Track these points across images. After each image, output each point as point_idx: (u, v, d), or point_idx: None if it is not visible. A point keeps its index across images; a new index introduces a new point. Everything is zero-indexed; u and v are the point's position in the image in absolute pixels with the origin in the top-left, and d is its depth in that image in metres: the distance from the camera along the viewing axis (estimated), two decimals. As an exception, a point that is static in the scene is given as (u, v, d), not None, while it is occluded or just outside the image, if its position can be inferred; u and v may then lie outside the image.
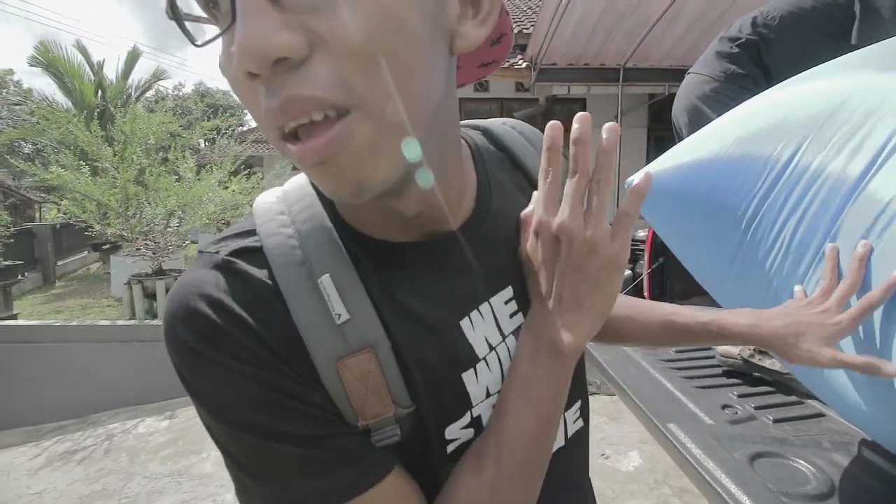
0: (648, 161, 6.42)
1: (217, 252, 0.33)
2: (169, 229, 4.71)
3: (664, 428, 1.09)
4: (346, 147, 0.26)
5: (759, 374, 1.31)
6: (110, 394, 3.81)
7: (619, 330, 0.59)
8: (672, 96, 5.86)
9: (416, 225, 0.36)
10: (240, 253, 0.33)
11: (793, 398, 1.21)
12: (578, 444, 0.46)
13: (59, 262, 7.84)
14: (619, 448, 2.49)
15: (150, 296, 4.49)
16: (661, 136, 6.88)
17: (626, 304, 0.60)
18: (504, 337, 0.39)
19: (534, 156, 0.48)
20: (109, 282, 6.21)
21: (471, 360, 0.37)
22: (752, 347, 1.32)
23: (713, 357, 1.53)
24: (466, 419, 0.37)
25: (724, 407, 1.18)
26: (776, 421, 1.09)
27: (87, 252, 8.75)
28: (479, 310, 0.38)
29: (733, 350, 1.37)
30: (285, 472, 0.31)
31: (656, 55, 4.86)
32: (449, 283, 0.38)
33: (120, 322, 4.06)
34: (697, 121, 1.49)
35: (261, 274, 0.32)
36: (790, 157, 0.75)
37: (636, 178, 1.01)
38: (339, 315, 0.32)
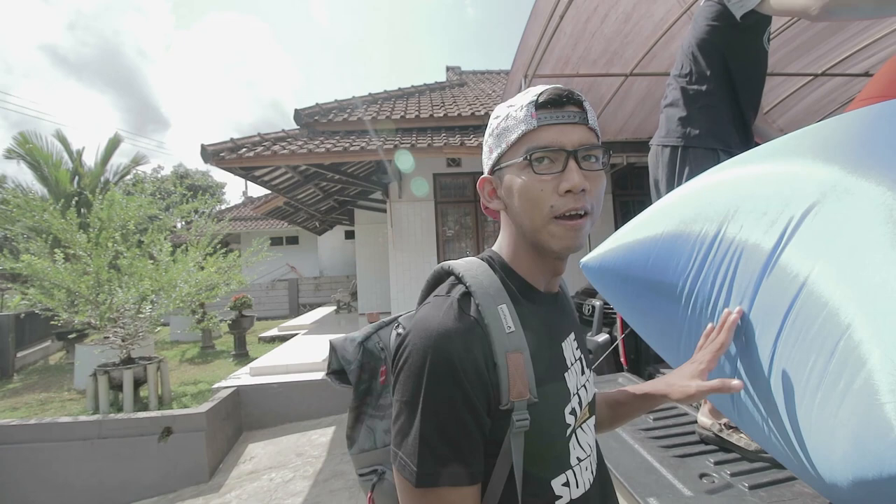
0: (616, 222, 6.66)
1: (450, 294, 0.57)
2: (141, 315, 4.58)
3: (643, 503, 1.09)
4: (585, 226, 0.59)
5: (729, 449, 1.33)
6: (69, 498, 3.48)
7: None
8: (630, 165, 6.25)
9: (551, 282, 0.65)
10: (463, 295, 0.57)
11: (767, 464, 1.24)
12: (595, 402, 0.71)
13: (20, 354, 7.41)
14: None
15: (117, 387, 4.25)
16: (626, 200, 7.29)
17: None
18: (575, 360, 0.65)
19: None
20: (73, 373, 5.87)
21: (565, 367, 0.62)
22: (723, 422, 1.36)
23: (690, 424, 1.55)
24: (570, 406, 0.60)
25: (701, 476, 1.19)
26: (752, 488, 1.11)
27: (50, 342, 8.32)
28: (567, 339, 0.65)
29: (706, 422, 1.40)
30: (426, 449, 0.50)
31: (612, 130, 5.29)
32: (553, 320, 0.64)
33: (82, 418, 3.80)
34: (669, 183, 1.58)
35: (473, 307, 0.56)
36: (714, 236, 0.84)
37: (587, 259, 1.10)
38: (510, 328, 0.55)
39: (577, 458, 0.60)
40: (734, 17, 1.42)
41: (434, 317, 0.54)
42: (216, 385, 4.64)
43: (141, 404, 4.37)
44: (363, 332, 0.67)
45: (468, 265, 0.61)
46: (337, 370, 0.68)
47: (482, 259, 0.64)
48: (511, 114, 0.60)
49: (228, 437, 4.14)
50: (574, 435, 0.60)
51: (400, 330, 0.65)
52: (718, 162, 1.40)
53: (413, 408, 0.51)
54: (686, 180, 1.44)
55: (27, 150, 8.25)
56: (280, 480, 3.42)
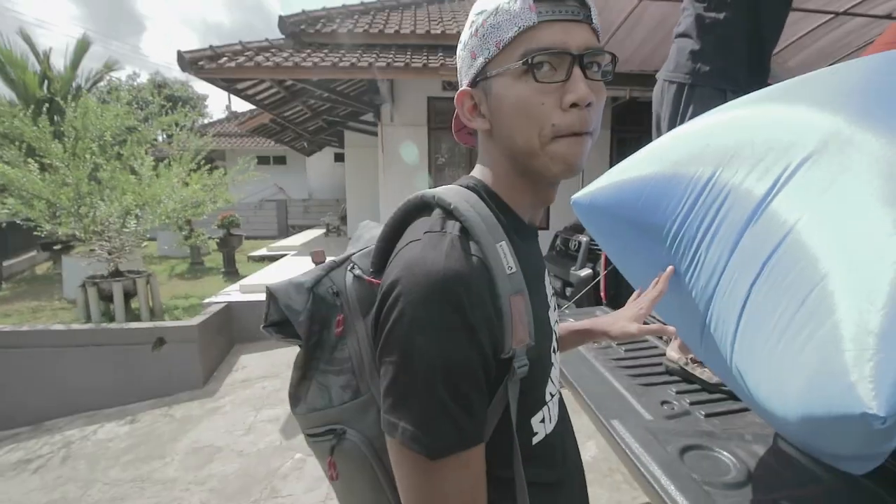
0: (612, 159, 6.61)
1: (445, 230, 0.49)
2: (126, 229, 4.53)
3: (608, 424, 1.18)
4: (588, 144, 0.51)
5: (691, 380, 1.43)
6: (66, 400, 3.67)
7: None
8: (633, 100, 6.05)
9: (538, 213, 0.61)
10: (462, 231, 0.49)
11: (724, 395, 1.34)
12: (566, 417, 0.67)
13: (5, 263, 7.39)
14: (578, 438, 2.62)
15: (107, 298, 4.31)
16: (624, 137, 7.12)
17: None
18: (551, 296, 0.62)
19: None
20: (61, 283, 5.92)
21: (548, 304, 0.59)
22: (689, 357, 1.44)
23: (658, 356, 1.65)
24: (553, 346, 0.58)
25: (662, 403, 1.29)
26: (707, 416, 1.21)
27: (35, 252, 8.27)
28: (546, 277, 0.62)
29: (674, 356, 1.49)
30: (442, 415, 0.44)
31: (618, 60, 5.03)
32: (538, 255, 0.61)
33: (75, 326, 3.90)
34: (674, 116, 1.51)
35: (474, 247, 0.48)
36: (707, 180, 0.84)
37: (578, 196, 1.09)
38: (511, 268, 0.48)
39: (550, 394, 0.58)
40: None
41: (434, 258, 0.45)
42: (207, 300, 4.74)
43: (132, 315, 4.47)
44: (312, 276, 0.58)
45: (457, 195, 0.52)
46: (277, 321, 0.57)
47: (467, 188, 0.55)
48: (501, 6, 0.49)
49: (221, 349, 4.32)
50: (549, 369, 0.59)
51: (357, 272, 0.57)
52: (725, 102, 1.36)
53: (419, 368, 0.43)
54: (689, 120, 1.41)
55: (-11, 48, 7.61)
56: (272, 388, 3.63)
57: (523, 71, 0.48)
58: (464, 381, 0.44)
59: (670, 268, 0.77)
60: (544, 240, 5.46)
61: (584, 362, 1.62)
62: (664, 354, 1.62)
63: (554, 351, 0.59)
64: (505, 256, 0.48)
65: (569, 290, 3.60)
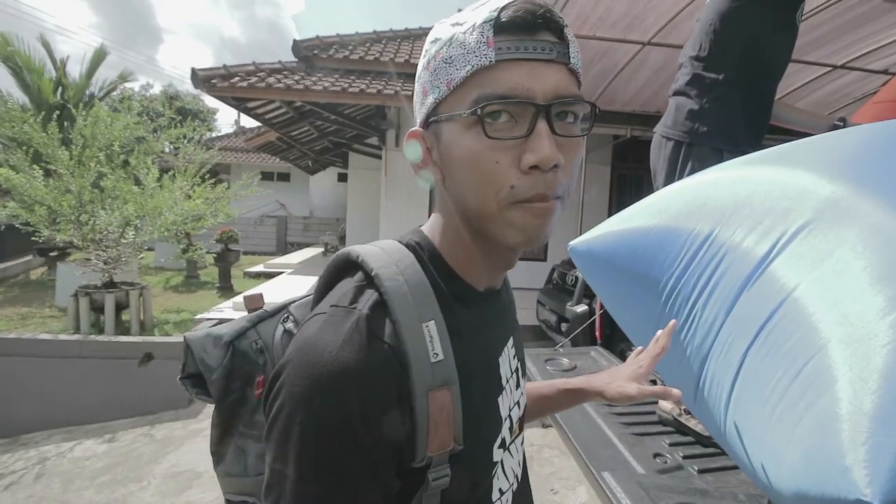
0: (612, 195, 6.67)
1: (355, 305, 0.40)
2: (124, 240, 4.53)
3: (598, 476, 1.15)
4: (556, 212, 0.42)
5: (685, 432, 1.40)
6: (46, 413, 3.58)
7: None
8: (634, 139, 6.17)
9: (496, 278, 0.51)
10: (375, 307, 0.39)
11: (719, 450, 1.31)
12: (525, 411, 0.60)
13: (0, 266, 7.35)
14: (568, 483, 2.55)
15: (98, 309, 4.27)
16: (624, 173, 7.22)
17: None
18: (511, 373, 0.53)
19: None
20: (54, 290, 5.87)
21: (500, 388, 0.49)
22: (683, 408, 1.42)
23: (651, 404, 1.62)
24: (500, 440, 0.48)
25: (655, 455, 1.26)
26: (700, 471, 1.18)
27: (31, 256, 8.24)
28: (504, 351, 0.52)
29: (667, 406, 1.46)
30: None
31: (620, 100, 5.15)
32: (493, 326, 0.51)
33: (62, 336, 3.84)
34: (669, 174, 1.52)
35: (388, 327, 0.39)
36: (706, 237, 0.84)
37: (576, 243, 1.09)
38: (437, 354, 0.40)
39: (500, 491, 0.49)
40: None
41: (327, 344, 0.36)
42: (199, 316, 4.70)
43: (122, 328, 4.41)
44: (233, 328, 0.50)
45: (385, 256, 0.43)
46: (195, 374, 0.50)
47: (407, 245, 0.46)
48: (457, 37, 0.40)
49: (208, 368, 4.24)
50: (499, 465, 0.49)
51: (290, 325, 0.49)
52: (722, 162, 1.38)
53: (290, 481, 0.35)
54: (686, 178, 1.43)
55: (8, 54, 7.76)
56: (257, 413, 3.55)
57: (475, 121, 0.39)
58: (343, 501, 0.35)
59: (672, 322, 0.71)
60: (542, 272, 5.47)
61: (577, 408, 1.59)
62: (657, 403, 1.59)
63: (503, 446, 0.49)
64: (431, 340, 0.40)
65: (564, 326, 3.58)
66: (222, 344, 0.49)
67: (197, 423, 3.45)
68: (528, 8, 0.39)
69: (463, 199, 0.43)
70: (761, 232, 0.74)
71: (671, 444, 1.32)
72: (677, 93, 1.52)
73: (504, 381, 0.50)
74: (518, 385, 0.55)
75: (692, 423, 1.39)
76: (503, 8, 0.39)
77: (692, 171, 1.40)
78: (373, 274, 0.41)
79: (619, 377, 0.68)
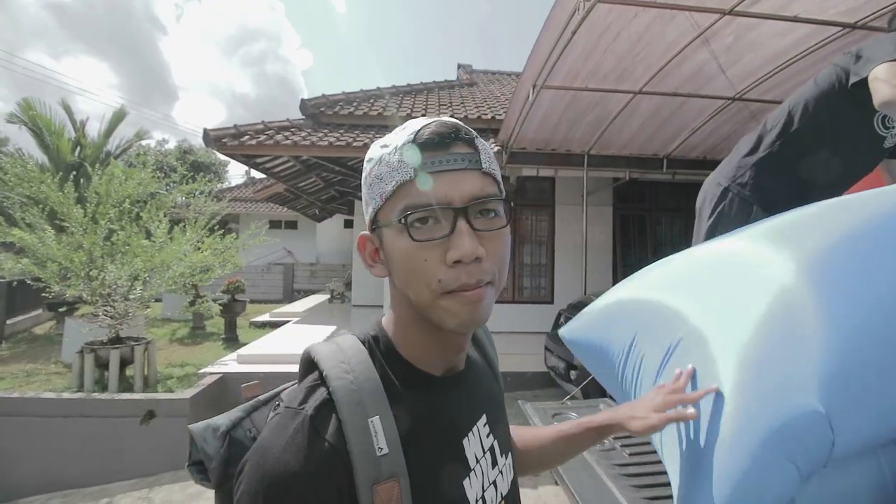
0: (615, 235, 6.66)
1: (303, 406, 0.44)
2: (132, 294, 4.57)
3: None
4: (487, 296, 0.46)
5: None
6: (45, 475, 3.49)
7: (524, 463, 0.72)
8: (633, 180, 6.25)
9: (452, 361, 0.53)
10: (320, 407, 0.43)
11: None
12: (516, 488, 0.61)
13: (9, 321, 7.40)
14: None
15: (103, 365, 4.25)
16: (626, 214, 7.29)
17: (524, 438, 0.74)
18: (484, 452, 0.54)
19: (480, 330, 0.67)
20: (61, 345, 5.87)
21: (466, 470, 0.50)
22: None
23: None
24: None
25: (669, 524, 1.20)
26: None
27: (40, 311, 8.32)
28: (472, 432, 0.53)
29: None
30: None
31: (616, 144, 5.28)
32: (457, 408, 0.52)
33: (65, 395, 3.80)
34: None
35: (332, 424, 0.42)
36: (632, 340, 0.98)
37: (563, 332, 1.21)
38: (381, 449, 0.42)
39: None
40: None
41: (273, 447, 0.41)
42: (203, 370, 4.65)
43: (126, 384, 4.37)
44: (229, 418, 0.54)
45: (338, 354, 0.48)
46: (198, 462, 0.53)
47: (364, 341, 0.51)
48: (384, 157, 0.47)
49: (211, 424, 4.15)
50: None
51: (280, 411, 0.51)
52: (751, 216, 1.42)
53: None
54: (714, 220, 1.48)
55: (30, 117, 8.19)
56: (259, 472, 3.43)
57: (402, 227, 0.44)
58: None
59: (691, 366, 0.75)
60: (548, 314, 5.40)
61: (584, 468, 1.53)
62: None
63: None
64: (375, 435, 0.42)
65: (573, 374, 3.49)
66: (219, 434, 0.52)
67: (196, 486, 3.34)
68: (440, 130, 0.46)
69: (406, 292, 0.48)
70: (659, 342, 0.89)
71: (685, 510, 1.26)
72: (743, 143, 1.57)
73: (472, 463, 0.51)
74: (495, 463, 0.55)
75: None
76: (419, 130, 0.46)
77: (721, 215, 1.47)
78: (323, 372, 0.46)
79: (640, 409, 0.69)
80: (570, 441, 0.72)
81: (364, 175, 0.50)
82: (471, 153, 0.46)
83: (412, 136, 0.46)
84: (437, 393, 0.51)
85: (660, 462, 1.57)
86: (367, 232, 0.52)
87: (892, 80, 1.15)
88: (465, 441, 0.52)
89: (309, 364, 0.50)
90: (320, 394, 0.45)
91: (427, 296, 0.45)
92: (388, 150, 0.47)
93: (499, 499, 0.55)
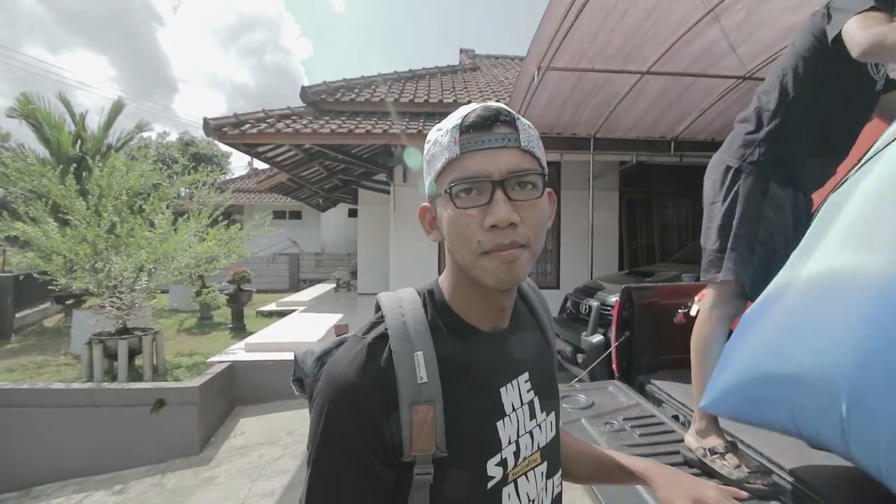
0: (621, 219, 6.61)
1: (365, 336, 0.55)
2: (138, 286, 4.58)
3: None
4: (521, 257, 0.52)
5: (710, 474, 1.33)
6: (58, 463, 3.54)
7: (570, 470, 0.75)
8: (640, 164, 6.17)
9: (496, 318, 0.60)
10: (377, 338, 0.54)
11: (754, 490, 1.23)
12: (556, 445, 0.67)
13: (18, 315, 7.46)
14: (594, 527, 2.41)
15: (112, 356, 4.28)
16: (632, 198, 7.22)
17: (579, 450, 0.77)
18: (522, 404, 0.60)
19: (536, 299, 0.73)
20: (69, 337, 5.92)
21: (501, 413, 0.58)
22: (708, 447, 1.35)
23: (675, 443, 1.54)
24: (497, 458, 0.56)
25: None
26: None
27: (48, 304, 8.38)
28: (511, 383, 0.60)
29: (693, 444, 1.39)
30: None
31: (623, 127, 5.19)
32: (497, 359, 0.60)
33: (75, 385, 3.84)
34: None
35: (385, 353, 0.53)
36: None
37: (704, 404, 1.11)
38: (422, 377, 0.52)
39: None
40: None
41: (340, 363, 0.53)
42: (211, 359, 4.68)
43: (136, 374, 4.41)
44: (323, 347, 0.63)
45: (397, 300, 0.59)
46: (299, 379, 0.65)
47: (419, 292, 0.61)
48: (438, 139, 0.55)
49: (220, 412, 4.19)
50: (509, 485, 0.57)
51: (349, 338, 0.61)
52: (767, 193, 1.40)
53: (309, 463, 0.51)
54: (730, 203, 1.44)
55: (29, 111, 8.15)
56: (269, 457, 3.46)
57: (449, 198, 0.53)
58: (342, 486, 0.50)
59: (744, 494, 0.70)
60: (554, 299, 5.38)
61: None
62: (682, 441, 1.52)
63: (504, 464, 0.56)
64: (419, 366, 0.52)
65: (580, 357, 3.48)
66: (315, 358, 0.62)
67: (208, 470, 3.38)
68: (483, 113, 0.53)
69: (454, 253, 0.56)
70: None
71: None
72: (740, 120, 1.53)
73: (508, 409, 0.58)
74: (534, 414, 0.61)
75: (717, 465, 1.32)
76: (466, 115, 0.53)
77: (734, 196, 1.44)
78: (382, 313, 0.57)
79: (684, 490, 0.67)
80: (600, 468, 0.75)
81: (424, 154, 0.59)
82: (510, 132, 0.53)
83: (460, 120, 0.53)
84: (479, 343, 0.58)
85: (671, 443, 1.56)
86: (426, 203, 0.60)
87: (862, 29, 1.13)
88: (502, 389, 0.59)
89: (377, 307, 0.60)
90: (379, 329, 0.55)
91: (469, 256, 0.53)
92: (441, 132, 0.55)
93: (535, 448, 0.61)
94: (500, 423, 0.57)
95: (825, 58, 1.33)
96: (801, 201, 1.47)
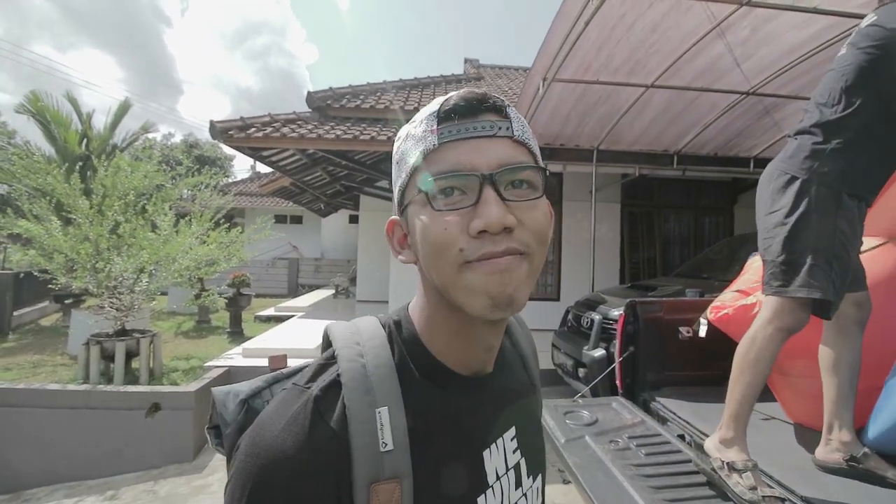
0: (622, 232, 6.62)
1: (310, 386, 0.41)
2: (138, 287, 4.56)
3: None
4: (519, 268, 0.40)
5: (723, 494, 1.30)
6: (50, 467, 3.48)
7: None
8: (643, 176, 6.18)
9: (481, 360, 0.47)
10: (326, 388, 0.41)
11: (760, 516, 1.19)
12: None
13: (16, 313, 7.42)
14: (593, 545, 2.36)
15: (108, 357, 4.24)
16: (634, 211, 7.21)
17: None
18: (507, 469, 0.49)
19: (521, 332, 0.62)
20: (67, 336, 5.89)
21: (483, 486, 0.46)
22: (727, 460, 1.31)
23: (682, 463, 1.51)
24: None
25: (691, 528, 1.15)
26: (743, 548, 1.07)
27: (47, 303, 8.34)
28: (496, 444, 0.48)
29: (713, 451, 1.35)
30: None
31: (627, 139, 5.20)
32: (481, 415, 0.47)
33: (70, 386, 3.80)
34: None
35: (337, 410, 0.39)
36: None
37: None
38: (385, 444, 0.39)
39: None
40: None
41: (272, 425, 0.39)
42: (208, 363, 4.64)
43: (132, 376, 4.37)
44: (251, 386, 0.51)
45: (354, 334, 0.46)
46: (216, 426, 0.51)
47: (385, 325, 0.48)
48: (410, 132, 0.44)
49: (216, 417, 4.14)
50: None
51: (288, 386, 0.49)
52: (840, 205, 1.36)
53: None
54: (800, 216, 1.39)
55: (38, 109, 8.19)
56: (263, 466, 3.41)
57: (425, 198, 0.41)
58: None
59: None
60: (554, 312, 5.35)
61: (599, 467, 1.49)
62: (689, 462, 1.49)
63: None
64: (382, 428, 0.39)
65: (581, 371, 3.45)
66: (238, 402, 0.50)
67: (202, 478, 3.33)
68: (466, 96, 0.42)
69: (429, 272, 0.43)
70: None
71: (707, 513, 1.21)
72: (800, 132, 1.49)
73: (491, 479, 0.46)
74: (519, 484, 0.50)
75: (732, 482, 1.28)
76: (446, 99, 0.43)
77: (807, 208, 1.39)
78: (336, 351, 0.44)
79: None
80: None
81: (393, 156, 0.48)
82: (500, 120, 0.43)
83: (438, 106, 0.43)
84: (459, 393, 0.46)
85: (678, 463, 1.52)
86: (395, 217, 0.48)
87: None
88: (485, 453, 0.47)
89: (328, 342, 0.47)
90: (330, 373, 0.42)
91: (448, 270, 0.40)
92: (415, 124, 0.44)
93: None
94: (480, 499, 0.45)
95: (885, 64, 1.34)
96: (864, 212, 1.44)
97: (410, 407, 0.41)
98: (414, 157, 0.43)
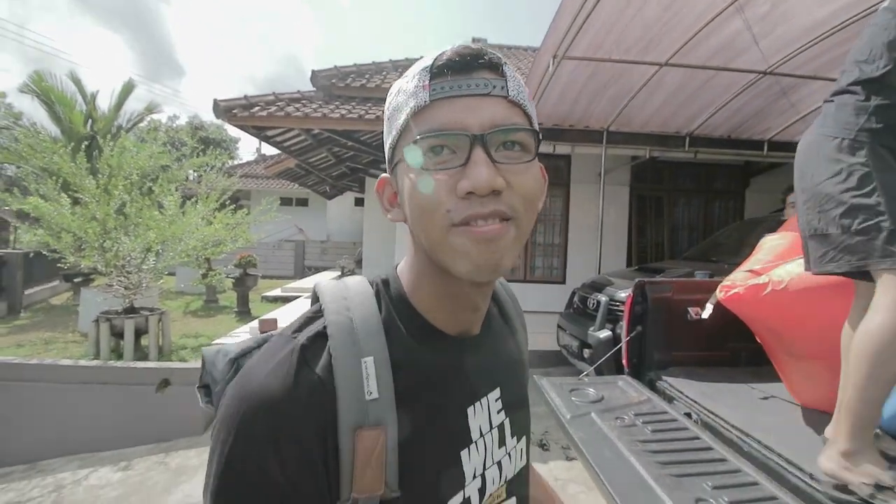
0: (631, 216, 6.56)
1: (296, 335, 0.42)
2: (146, 266, 4.60)
3: (637, 525, 1.06)
4: (506, 236, 0.40)
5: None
6: (64, 439, 3.57)
7: None
8: (653, 159, 6.08)
9: (467, 320, 0.48)
10: (313, 338, 0.41)
11: (768, 492, 1.20)
12: (525, 478, 0.56)
13: (28, 292, 7.53)
14: (597, 522, 2.39)
15: (118, 334, 4.31)
16: (643, 194, 7.12)
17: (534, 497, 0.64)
18: (491, 428, 0.49)
19: (512, 307, 0.61)
20: (77, 315, 5.97)
21: (467, 441, 0.46)
22: (874, 483, 1.15)
23: (689, 440, 1.51)
24: (460, 497, 0.44)
25: (697, 501, 1.16)
26: (750, 521, 1.07)
27: (57, 282, 8.45)
28: (480, 402, 0.49)
29: (847, 476, 1.19)
30: None
31: (638, 121, 5.10)
32: (465, 373, 0.48)
33: (82, 362, 3.86)
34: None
35: (323, 358, 0.40)
36: None
37: None
38: (371, 392, 0.39)
39: None
40: None
41: (258, 370, 0.39)
42: (216, 341, 4.70)
43: (141, 353, 4.43)
44: (240, 346, 0.51)
45: (342, 291, 0.46)
46: (206, 385, 0.52)
47: (372, 283, 0.48)
48: (402, 87, 0.43)
49: (224, 394, 4.21)
50: None
51: (274, 336, 0.50)
52: (891, 163, 1.29)
53: (208, 493, 0.37)
54: (855, 177, 1.30)
55: (42, 89, 8.18)
56: (271, 442, 3.47)
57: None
58: None
59: None
60: (558, 294, 5.34)
61: (605, 442, 1.50)
62: (697, 438, 1.49)
63: (465, 502, 0.45)
64: (367, 377, 0.39)
65: (587, 352, 3.45)
66: (228, 360, 0.50)
67: (211, 451, 3.40)
68: (461, 51, 0.41)
69: (416, 232, 0.43)
70: None
71: (714, 487, 1.21)
72: (839, 92, 1.42)
73: (475, 435, 0.47)
74: (503, 443, 0.51)
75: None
76: (438, 56, 0.41)
77: (857, 166, 1.31)
78: (323, 305, 0.44)
79: None
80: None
81: (384, 112, 0.47)
82: (495, 78, 0.41)
83: (430, 61, 0.41)
84: (444, 351, 0.47)
85: (682, 439, 1.53)
86: (386, 175, 0.48)
87: None
88: (470, 409, 0.48)
89: (315, 297, 0.48)
90: (317, 325, 0.42)
91: (434, 231, 0.40)
92: (406, 79, 0.43)
93: (502, 481, 0.50)
94: (464, 453, 0.46)
95: None
96: None
97: (396, 359, 0.42)
98: (404, 114, 0.42)
